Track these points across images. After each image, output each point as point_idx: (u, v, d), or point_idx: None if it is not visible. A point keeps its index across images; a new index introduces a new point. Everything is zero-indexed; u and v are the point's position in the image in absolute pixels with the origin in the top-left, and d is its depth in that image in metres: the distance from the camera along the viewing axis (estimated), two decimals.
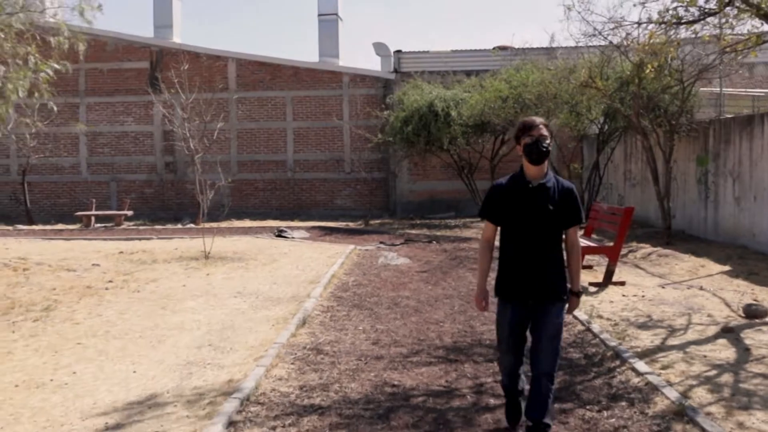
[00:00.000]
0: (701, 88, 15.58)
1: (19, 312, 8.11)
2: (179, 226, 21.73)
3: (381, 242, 15.39)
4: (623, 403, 4.82)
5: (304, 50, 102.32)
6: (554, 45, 18.29)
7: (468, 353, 6.24)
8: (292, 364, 5.88)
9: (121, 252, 13.83)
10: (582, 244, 10.33)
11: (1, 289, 9.51)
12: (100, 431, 4.40)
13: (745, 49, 8.42)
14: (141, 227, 21.06)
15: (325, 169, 25.80)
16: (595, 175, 18.75)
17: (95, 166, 26.30)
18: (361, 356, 6.15)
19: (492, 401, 4.93)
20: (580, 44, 14.58)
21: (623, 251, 12.28)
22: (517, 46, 24.34)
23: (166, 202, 26.21)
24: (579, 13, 12.85)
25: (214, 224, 21.81)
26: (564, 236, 4.18)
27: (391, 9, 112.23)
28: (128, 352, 6.31)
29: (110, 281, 10.22)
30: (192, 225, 21.68)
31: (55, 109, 7.19)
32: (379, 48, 42.14)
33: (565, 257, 4.21)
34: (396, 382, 5.39)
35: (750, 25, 8.14)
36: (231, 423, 4.44)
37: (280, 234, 17.28)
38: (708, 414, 4.49)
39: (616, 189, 20.25)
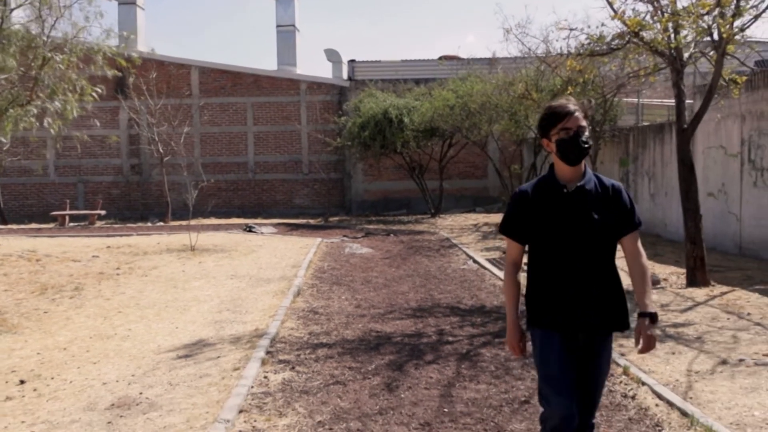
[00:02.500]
0: (624, 99, 17.87)
1: (54, 292, 9.69)
2: (149, 224, 23.13)
3: (344, 236, 17.25)
4: None
5: (263, 59, 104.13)
6: (496, 56, 20.48)
7: (430, 312, 8.15)
8: (298, 319, 7.71)
9: (109, 246, 15.29)
10: None
11: (27, 275, 11.03)
12: (171, 359, 6.15)
13: (646, 74, 10.60)
14: (114, 225, 22.41)
15: (285, 171, 27.46)
16: (533, 174, 20.97)
17: (63, 168, 27.38)
18: (348, 315, 8.02)
19: (450, 338, 6.84)
20: (518, 60, 16.71)
21: None
22: (462, 57, 26.59)
23: (132, 203, 27.47)
24: (516, 36, 14.92)
25: (183, 222, 23.35)
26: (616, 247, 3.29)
27: (346, 20, 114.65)
28: (163, 317, 8.02)
29: (118, 268, 11.81)
30: (161, 223, 23.12)
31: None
32: (331, 54, 43.89)
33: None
34: (378, 330, 7.27)
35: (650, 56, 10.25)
36: (268, 352, 6.24)
37: (250, 230, 18.95)
38: None
39: None
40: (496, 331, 7.06)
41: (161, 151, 23.05)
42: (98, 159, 27.38)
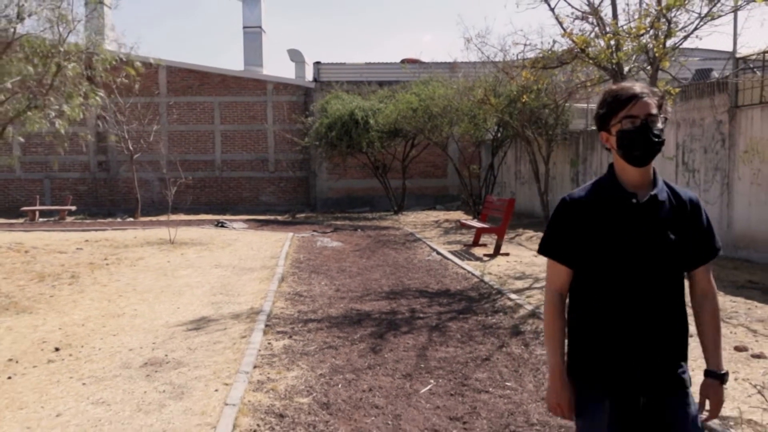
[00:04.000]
0: (575, 104, 19.20)
1: (52, 280, 10.49)
2: (118, 220, 23.73)
3: (314, 231, 18.23)
4: (501, 313, 7.92)
5: (230, 59, 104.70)
6: (456, 60, 21.70)
7: (401, 295, 9.22)
8: (286, 301, 8.71)
9: (87, 240, 16.00)
10: (477, 226, 13.70)
11: (20, 265, 11.77)
12: (183, 331, 7.10)
13: (592, 85, 11.86)
14: (86, 221, 22.95)
15: (251, 169, 28.29)
16: (491, 174, 22.24)
17: (29, 164, 27.71)
18: (329, 297, 9.04)
19: (421, 315, 7.91)
20: (478, 65, 17.89)
21: (512, 234, 15.67)
22: (424, 60, 27.80)
23: (99, 199, 27.98)
24: (476, 45, 16.09)
25: (153, 218, 24.06)
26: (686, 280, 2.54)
27: (311, 22, 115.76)
28: (162, 300, 8.93)
29: (105, 259, 12.61)
30: (131, 219, 23.75)
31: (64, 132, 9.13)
32: (294, 54, 44.70)
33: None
34: (358, 309, 8.31)
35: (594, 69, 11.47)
36: (267, 325, 7.23)
37: (222, 225, 19.78)
38: None
39: (509, 186, 23.85)
40: (460, 309, 8.17)
41: (131, 148, 23.68)
42: (65, 156, 27.77)
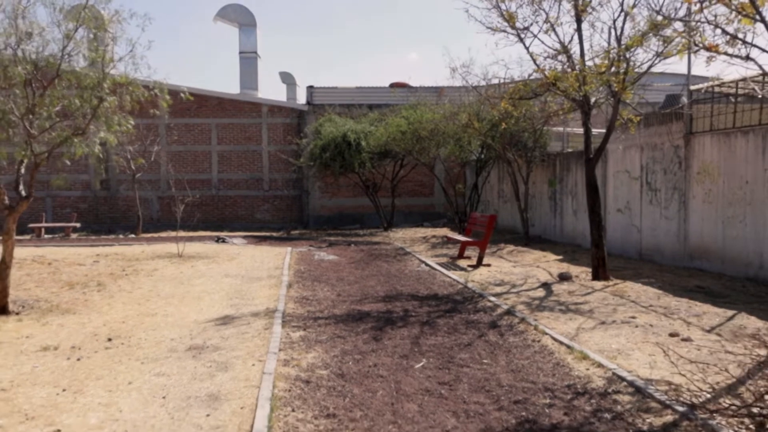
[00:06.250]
0: (553, 128, 20.68)
1: (81, 287, 11.71)
2: (120, 236, 24.90)
3: (310, 245, 19.52)
4: (481, 312, 9.25)
5: (227, 83, 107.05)
6: (443, 86, 23.20)
7: (396, 299, 10.53)
8: (296, 303, 10.00)
9: (98, 254, 17.19)
10: (462, 239, 15.06)
11: (47, 275, 12.98)
12: (213, 326, 8.36)
13: (564, 113, 13.31)
14: (90, 237, 24.13)
15: (246, 187, 29.58)
16: (475, 193, 23.67)
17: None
18: (333, 301, 10.34)
19: (413, 313, 9.21)
20: (462, 90, 19.36)
21: (494, 248, 17.03)
22: (412, 85, 29.32)
23: (99, 216, 29.13)
24: (461, 75, 17.52)
25: (154, 234, 25.26)
26: None
27: (297, 40, 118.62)
28: (186, 303, 10.18)
29: (123, 270, 13.83)
30: (132, 235, 24.92)
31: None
32: (285, 77, 46.19)
33: None
34: (359, 309, 9.61)
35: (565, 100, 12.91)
36: (283, 321, 8.51)
37: (222, 240, 21.02)
38: (520, 311, 8.98)
39: (492, 204, 25.27)
40: (446, 309, 9.49)
41: (133, 168, 24.91)
42: (67, 174, 28.93)
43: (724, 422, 4.70)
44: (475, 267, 13.86)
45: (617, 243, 15.50)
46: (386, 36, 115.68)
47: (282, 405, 5.31)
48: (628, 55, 10.96)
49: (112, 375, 6.20)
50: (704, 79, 17.57)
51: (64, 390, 5.75)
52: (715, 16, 7.04)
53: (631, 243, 14.98)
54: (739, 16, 6.40)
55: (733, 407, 4.69)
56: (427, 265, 14.46)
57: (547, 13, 11.56)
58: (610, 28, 11.38)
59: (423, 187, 29.58)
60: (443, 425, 4.94)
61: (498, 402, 5.45)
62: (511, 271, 13.16)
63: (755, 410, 4.75)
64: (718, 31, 6.89)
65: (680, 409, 4.99)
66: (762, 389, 5.02)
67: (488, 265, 13.96)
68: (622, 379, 5.85)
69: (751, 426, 4.61)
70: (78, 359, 6.80)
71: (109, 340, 7.66)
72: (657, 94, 25.52)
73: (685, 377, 5.60)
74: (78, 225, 25.47)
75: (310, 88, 29.61)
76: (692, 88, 13.11)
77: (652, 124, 14.08)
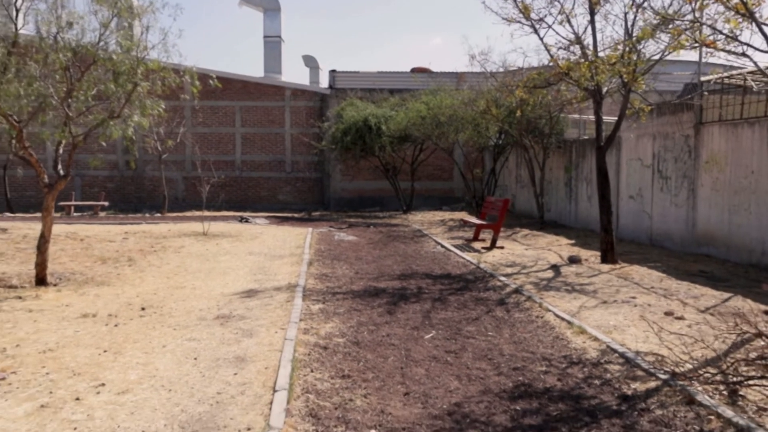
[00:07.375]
0: (570, 115, 21.02)
1: (113, 262, 12.38)
2: (147, 215, 25.65)
3: (330, 226, 20.11)
4: (491, 290, 9.76)
5: (252, 67, 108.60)
6: (462, 71, 23.58)
7: (411, 277, 11.07)
8: (316, 279, 10.58)
9: (127, 232, 17.89)
10: (477, 222, 15.56)
11: (80, 251, 13.68)
12: (238, 298, 8.96)
13: (577, 102, 13.71)
14: (118, 215, 24.91)
15: (269, 169, 30.21)
16: (492, 178, 24.10)
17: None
18: (351, 277, 10.90)
19: (426, 291, 9.74)
20: (481, 76, 19.76)
21: (509, 232, 17.49)
22: (433, 70, 29.69)
23: (126, 196, 29.94)
24: (479, 62, 17.94)
25: (179, 214, 25.99)
26: None
27: (322, 24, 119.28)
28: (212, 277, 10.80)
29: (152, 247, 14.50)
30: (158, 214, 25.67)
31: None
32: (309, 60, 46.63)
33: None
34: (375, 286, 10.16)
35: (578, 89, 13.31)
36: (304, 295, 9.10)
37: (245, 220, 21.67)
38: (528, 290, 9.48)
39: (509, 189, 25.68)
40: (458, 287, 10.02)
41: (159, 149, 25.62)
42: (95, 155, 29.70)
43: (700, 388, 5.20)
44: (488, 249, 14.36)
45: (629, 228, 15.91)
46: (411, 20, 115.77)
47: (302, 366, 5.88)
48: (639, 47, 11.33)
49: (147, 339, 6.82)
50: (722, 66, 17.82)
51: (105, 351, 6.36)
52: (714, 15, 7.44)
53: (642, 229, 15.38)
54: (737, 15, 6.82)
55: (707, 375, 5.18)
56: (442, 246, 14.97)
57: (561, 5, 11.96)
58: (625, 17, 11.76)
59: (442, 171, 30.03)
60: (447, 386, 5.49)
61: (498, 368, 5.98)
62: (523, 254, 13.64)
63: (730, 378, 5.24)
64: (717, 28, 7.30)
65: (663, 377, 5.49)
66: (739, 361, 5.50)
67: (501, 248, 14.45)
68: (615, 351, 6.35)
69: (724, 392, 5.11)
70: (115, 325, 7.42)
71: (143, 309, 8.28)
72: (675, 84, 25.72)
73: (671, 350, 6.09)
74: (106, 204, 26.27)
75: (332, 72, 30.08)
76: (703, 79, 13.44)
77: (664, 113, 14.43)
